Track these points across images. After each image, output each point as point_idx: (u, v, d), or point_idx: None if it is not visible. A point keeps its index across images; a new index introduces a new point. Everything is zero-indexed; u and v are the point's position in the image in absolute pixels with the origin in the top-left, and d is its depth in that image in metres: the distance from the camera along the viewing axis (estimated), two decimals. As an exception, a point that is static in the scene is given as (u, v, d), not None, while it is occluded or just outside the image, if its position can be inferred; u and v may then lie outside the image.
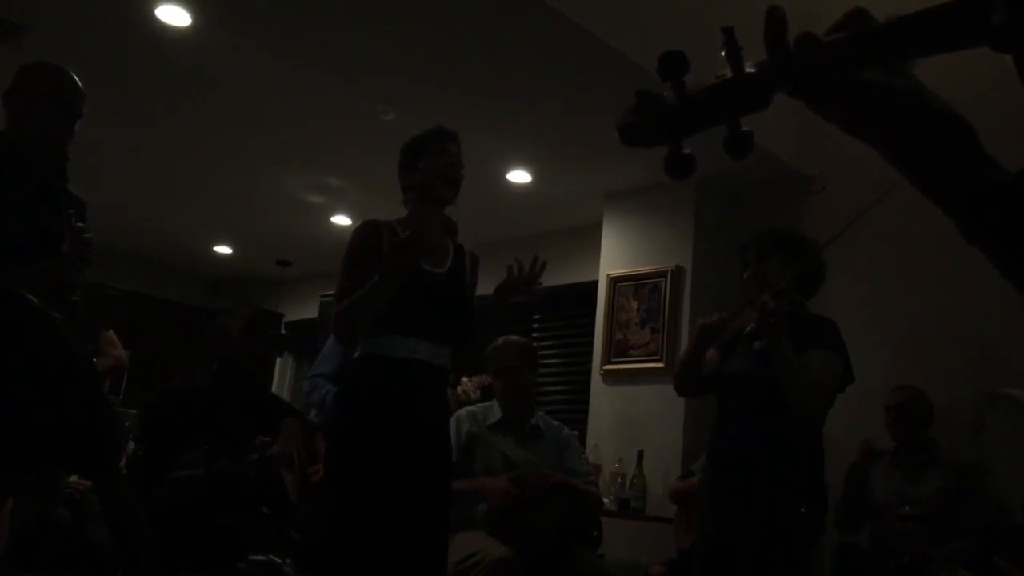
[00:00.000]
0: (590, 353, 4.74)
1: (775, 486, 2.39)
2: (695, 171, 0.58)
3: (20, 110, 2.31)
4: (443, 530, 2.29)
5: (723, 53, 0.54)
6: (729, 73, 0.54)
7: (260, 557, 2.48)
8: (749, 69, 0.54)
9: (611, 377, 4.56)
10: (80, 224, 2.25)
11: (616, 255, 4.74)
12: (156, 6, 3.40)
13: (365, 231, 2.30)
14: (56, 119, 2.31)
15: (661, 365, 4.32)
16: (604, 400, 4.57)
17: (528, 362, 3.24)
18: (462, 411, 3.19)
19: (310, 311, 6.92)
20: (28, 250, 2.16)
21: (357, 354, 2.31)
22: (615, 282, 4.68)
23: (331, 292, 2.34)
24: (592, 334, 4.74)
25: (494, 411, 3.19)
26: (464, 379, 4.67)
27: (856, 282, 3.89)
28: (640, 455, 4.13)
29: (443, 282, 2.31)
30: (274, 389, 6.88)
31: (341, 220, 5.69)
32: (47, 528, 3.31)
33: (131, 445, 4.52)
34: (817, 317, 2.56)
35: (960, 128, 0.57)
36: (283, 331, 7.19)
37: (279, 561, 2.50)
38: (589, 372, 4.72)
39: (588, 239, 4.97)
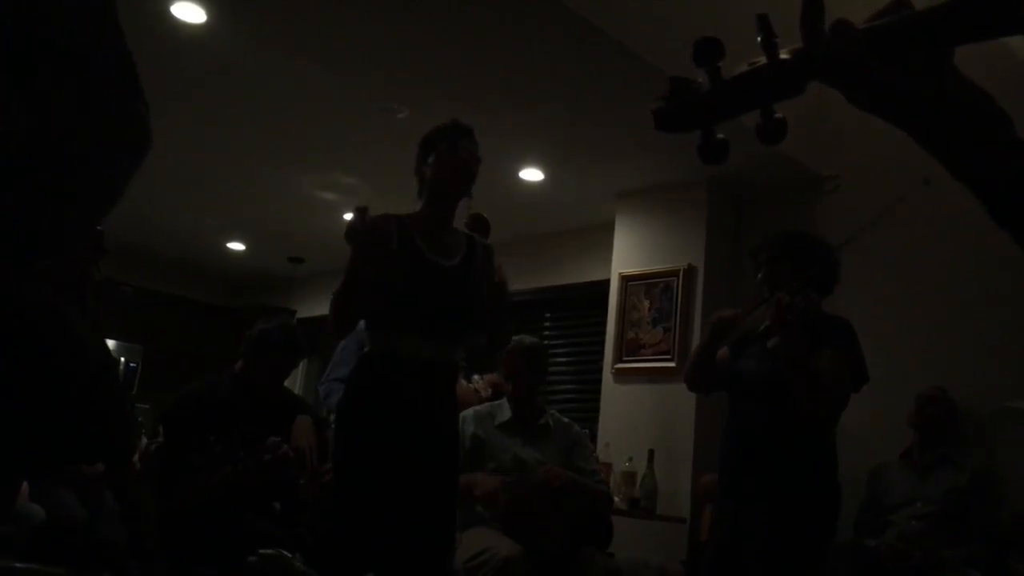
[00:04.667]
0: (601, 352, 4.74)
1: (786, 486, 2.38)
2: (728, 156, 0.58)
3: None
4: (447, 527, 2.28)
5: (758, 39, 0.54)
6: (763, 60, 0.54)
7: (270, 551, 2.49)
8: (784, 56, 0.54)
9: (622, 376, 4.55)
10: None
11: (628, 254, 4.74)
12: (171, 3, 3.41)
13: (372, 226, 2.31)
14: None
15: (673, 364, 4.31)
16: (615, 399, 4.56)
17: (536, 363, 3.23)
18: (468, 412, 3.17)
19: (322, 308, 6.90)
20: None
21: (365, 350, 2.31)
22: (627, 281, 4.67)
23: (343, 289, 2.35)
24: (604, 333, 4.74)
25: (504, 410, 3.18)
26: (475, 377, 4.67)
27: (874, 282, 3.87)
28: (651, 454, 4.12)
29: (452, 276, 2.30)
30: (285, 384, 6.90)
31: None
32: (60, 523, 3.34)
33: (144, 441, 4.55)
34: (831, 317, 2.54)
35: (992, 115, 0.56)
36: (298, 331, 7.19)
37: (289, 555, 2.51)
38: (600, 371, 4.71)
39: (600, 238, 4.96)
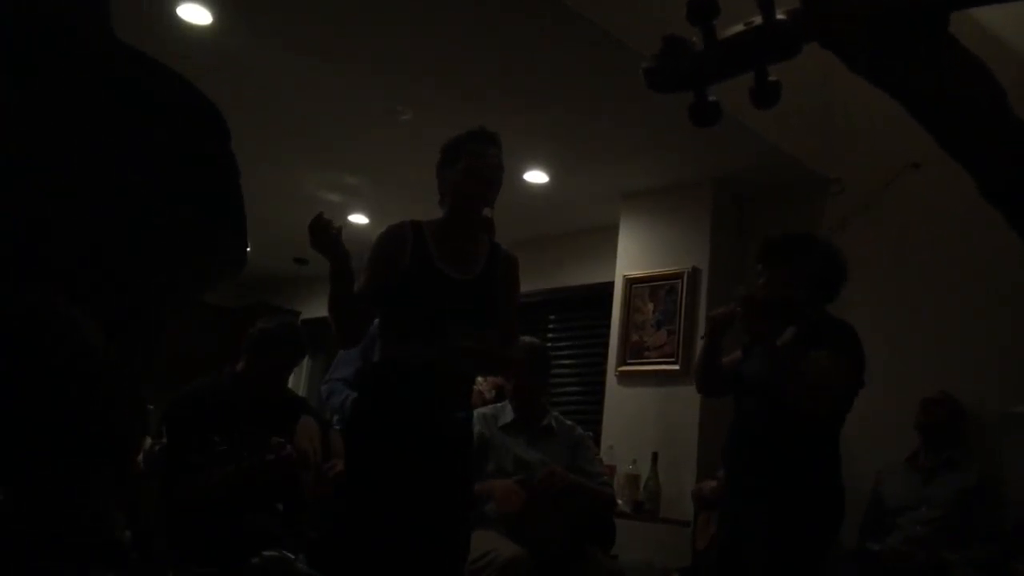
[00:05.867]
0: (605, 354, 4.73)
1: (786, 486, 2.36)
2: (720, 119, 0.57)
3: None
4: (460, 535, 2.25)
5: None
6: (759, 20, 0.53)
7: (273, 552, 2.48)
8: (780, 16, 0.53)
9: (626, 378, 4.54)
10: None
11: (632, 256, 4.73)
12: (177, 4, 3.42)
13: (387, 233, 2.28)
14: None
15: (676, 367, 4.30)
16: (619, 401, 4.55)
17: (539, 363, 3.22)
18: (473, 413, 3.16)
19: (326, 309, 6.92)
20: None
21: (376, 358, 2.29)
22: (631, 283, 4.66)
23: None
24: (608, 335, 4.73)
25: (506, 412, 3.18)
26: (478, 379, 4.65)
27: (881, 287, 3.86)
28: (655, 457, 4.10)
29: (468, 288, 2.24)
30: (289, 385, 6.90)
31: (358, 219, 5.70)
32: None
33: (148, 441, 4.55)
34: (833, 319, 2.52)
35: (991, 90, 0.55)
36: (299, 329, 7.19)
37: (292, 557, 2.50)
38: (604, 373, 4.70)
39: (604, 240, 4.95)
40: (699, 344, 2.85)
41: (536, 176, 4.70)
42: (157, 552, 2.81)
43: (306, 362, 7.49)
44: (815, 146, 4.20)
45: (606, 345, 4.73)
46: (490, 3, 3.22)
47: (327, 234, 2.12)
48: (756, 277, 2.60)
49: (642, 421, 4.37)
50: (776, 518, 2.34)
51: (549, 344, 5.28)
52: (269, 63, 3.86)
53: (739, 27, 0.54)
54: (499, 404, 3.30)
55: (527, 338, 3.32)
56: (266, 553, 2.46)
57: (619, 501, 3.82)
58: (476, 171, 2.25)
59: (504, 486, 2.90)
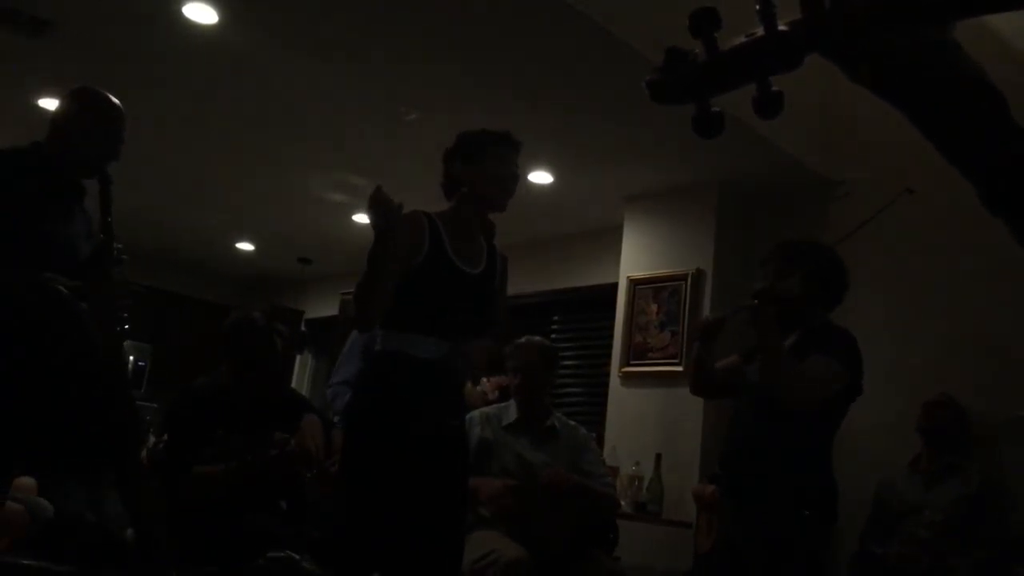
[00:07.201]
0: (609, 355, 4.73)
1: (778, 490, 2.36)
2: (723, 130, 0.56)
3: (58, 135, 2.43)
4: (458, 530, 2.26)
5: (756, 8, 0.53)
6: (761, 31, 0.53)
7: (278, 553, 2.48)
8: (782, 27, 0.53)
9: (629, 379, 4.54)
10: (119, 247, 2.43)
11: (636, 258, 4.72)
12: (183, 4, 3.43)
13: (407, 221, 2.27)
14: (91, 146, 2.43)
15: (680, 368, 4.30)
16: (622, 402, 4.55)
17: (546, 361, 3.22)
18: (475, 413, 3.15)
19: (330, 309, 6.95)
20: (51, 257, 2.26)
21: (378, 348, 2.28)
22: (635, 284, 4.66)
23: (351, 290, 2.30)
24: (611, 336, 4.72)
25: (510, 412, 3.17)
26: (483, 379, 4.65)
27: (884, 290, 3.85)
28: (658, 458, 4.10)
29: (475, 283, 2.25)
30: (294, 385, 6.93)
31: (362, 219, 5.71)
32: (67, 520, 3.34)
33: (151, 439, 4.55)
34: (832, 326, 2.51)
35: (991, 97, 0.55)
36: (303, 328, 7.21)
37: (297, 557, 2.50)
38: (607, 374, 4.70)
39: (609, 241, 4.95)
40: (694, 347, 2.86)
41: (541, 177, 4.70)
42: (157, 552, 2.81)
43: (309, 362, 7.50)
44: (820, 149, 4.19)
45: (609, 346, 4.73)
46: (495, 4, 3.22)
47: (389, 206, 2.02)
48: (762, 279, 2.60)
49: (645, 422, 4.37)
50: (766, 521, 2.34)
51: (553, 344, 5.27)
52: (275, 63, 3.87)
53: (741, 39, 0.54)
54: (502, 404, 3.30)
55: (535, 337, 3.33)
56: (271, 555, 2.46)
57: (622, 502, 3.82)
58: (499, 179, 2.23)
59: (489, 486, 2.88)
